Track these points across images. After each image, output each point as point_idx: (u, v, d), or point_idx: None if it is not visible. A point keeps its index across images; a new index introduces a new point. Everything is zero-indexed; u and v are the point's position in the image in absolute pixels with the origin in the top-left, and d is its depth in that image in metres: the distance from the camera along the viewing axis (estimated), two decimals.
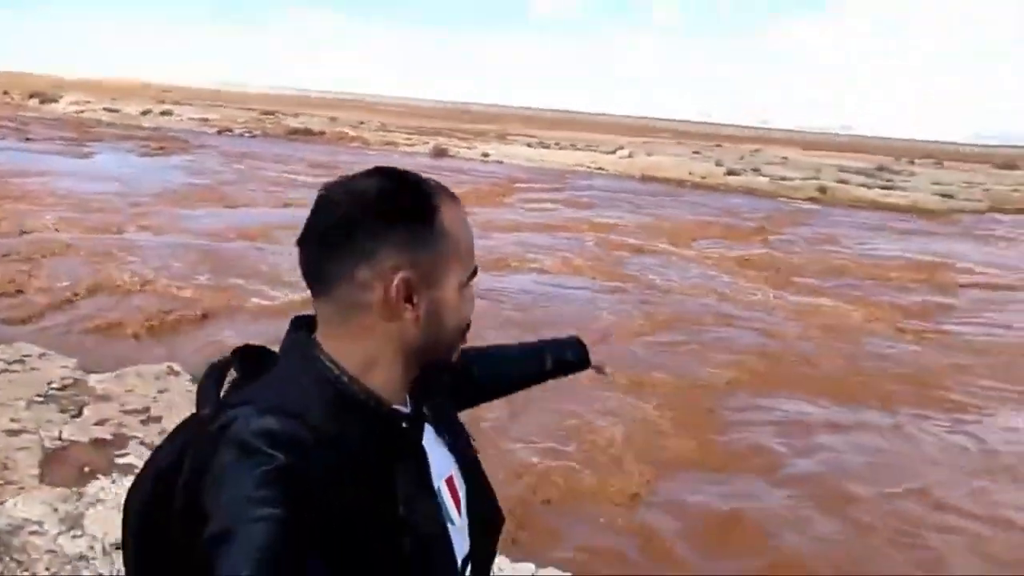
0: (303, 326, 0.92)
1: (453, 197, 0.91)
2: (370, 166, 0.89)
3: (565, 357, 1.38)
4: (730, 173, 27.55)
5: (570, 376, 1.41)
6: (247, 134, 30.03)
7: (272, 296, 7.26)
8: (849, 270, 11.56)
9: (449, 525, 0.92)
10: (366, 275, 0.85)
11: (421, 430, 0.93)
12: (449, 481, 0.96)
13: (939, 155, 52.42)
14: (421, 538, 0.85)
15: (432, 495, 0.91)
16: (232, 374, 0.89)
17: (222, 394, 0.86)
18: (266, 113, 39.11)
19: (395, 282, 0.84)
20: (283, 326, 0.91)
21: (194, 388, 0.87)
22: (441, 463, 0.95)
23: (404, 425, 0.89)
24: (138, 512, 0.86)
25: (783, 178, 26.92)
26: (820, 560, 3.69)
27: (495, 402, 1.41)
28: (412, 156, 27.57)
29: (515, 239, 12.09)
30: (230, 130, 30.78)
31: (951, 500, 4.37)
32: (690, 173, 27.04)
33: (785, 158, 39.77)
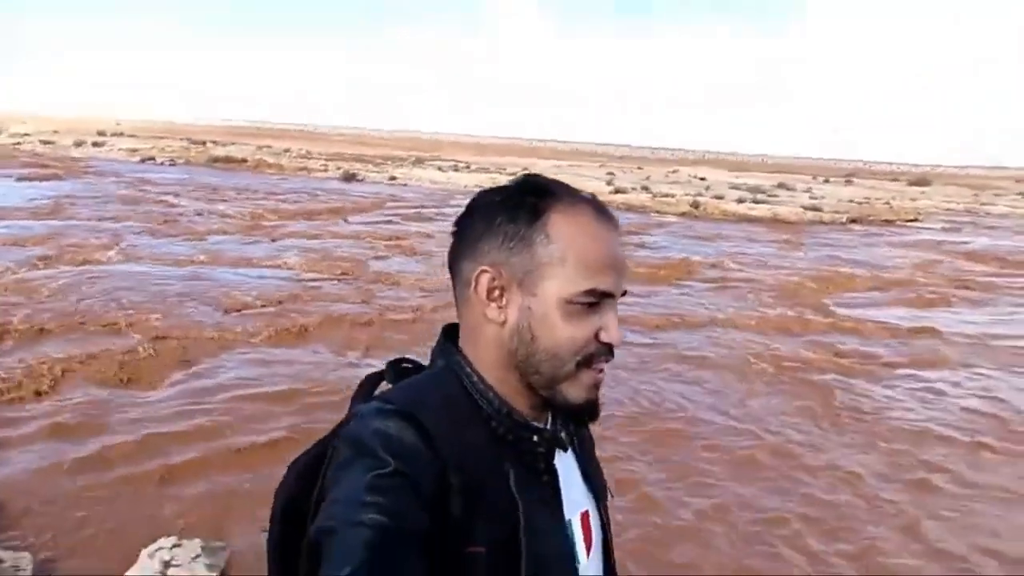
0: (452, 332, 0.91)
1: (584, 207, 0.86)
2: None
3: None
4: (618, 191, 29.03)
5: None
6: (167, 163, 31.38)
7: None
8: None
9: (575, 565, 0.87)
10: (468, 269, 0.86)
11: (554, 449, 0.89)
12: (584, 516, 0.92)
13: (863, 174, 53.92)
14: (541, 568, 0.80)
15: (561, 523, 0.87)
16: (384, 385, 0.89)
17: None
18: (196, 143, 40.71)
19: (475, 274, 0.85)
20: None
21: None
22: (577, 494, 0.91)
23: (535, 439, 0.86)
24: (283, 503, 0.86)
25: (666, 195, 28.39)
26: None
27: None
28: (323, 181, 28.98)
29: (296, 243, 13.39)
30: (153, 159, 32.15)
31: None
32: None
33: (703, 178, 41.30)
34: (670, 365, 7.22)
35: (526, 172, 0.89)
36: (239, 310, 7.97)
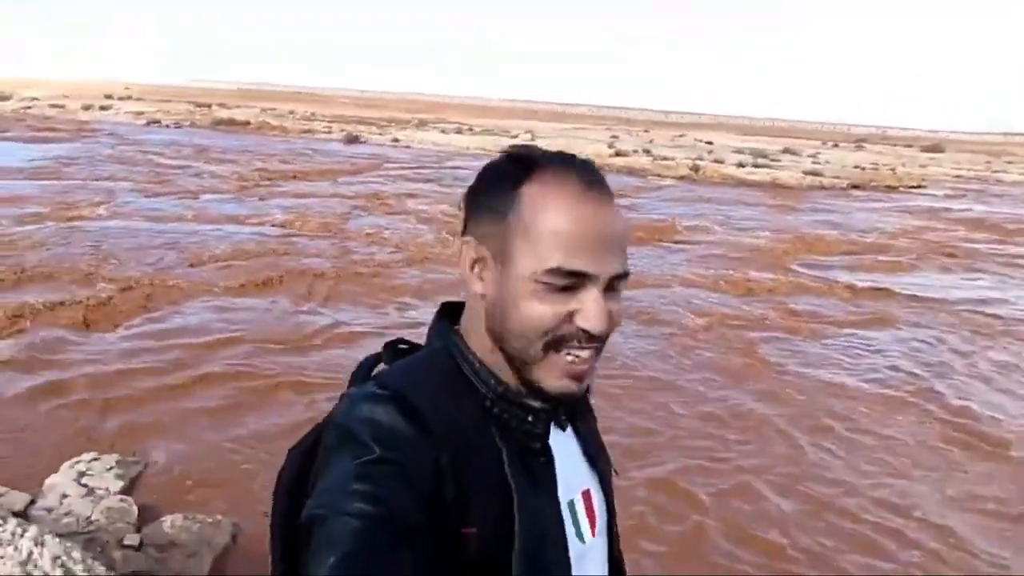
0: (448, 312, 0.91)
1: (569, 177, 0.79)
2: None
3: None
4: (619, 154, 29.11)
5: None
6: (172, 125, 31.77)
7: None
8: None
9: (579, 544, 0.86)
10: (461, 241, 0.86)
11: (547, 426, 0.86)
12: (586, 495, 0.90)
13: (875, 139, 53.33)
14: (530, 552, 0.78)
15: (556, 505, 0.84)
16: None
17: None
18: (201, 106, 41.08)
19: (461, 245, 0.85)
20: None
21: None
22: (576, 473, 0.89)
23: (530, 419, 0.83)
24: (284, 488, 0.86)
25: (665, 158, 28.46)
26: None
27: None
28: (325, 142, 29.29)
29: (285, 202, 13.79)
30: (158, 121, 32.55)
31: None
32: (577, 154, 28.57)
33: (709, 142, 41.21)
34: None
35: (514, 145, 0.87)
36: (213, 263, 8.39)
